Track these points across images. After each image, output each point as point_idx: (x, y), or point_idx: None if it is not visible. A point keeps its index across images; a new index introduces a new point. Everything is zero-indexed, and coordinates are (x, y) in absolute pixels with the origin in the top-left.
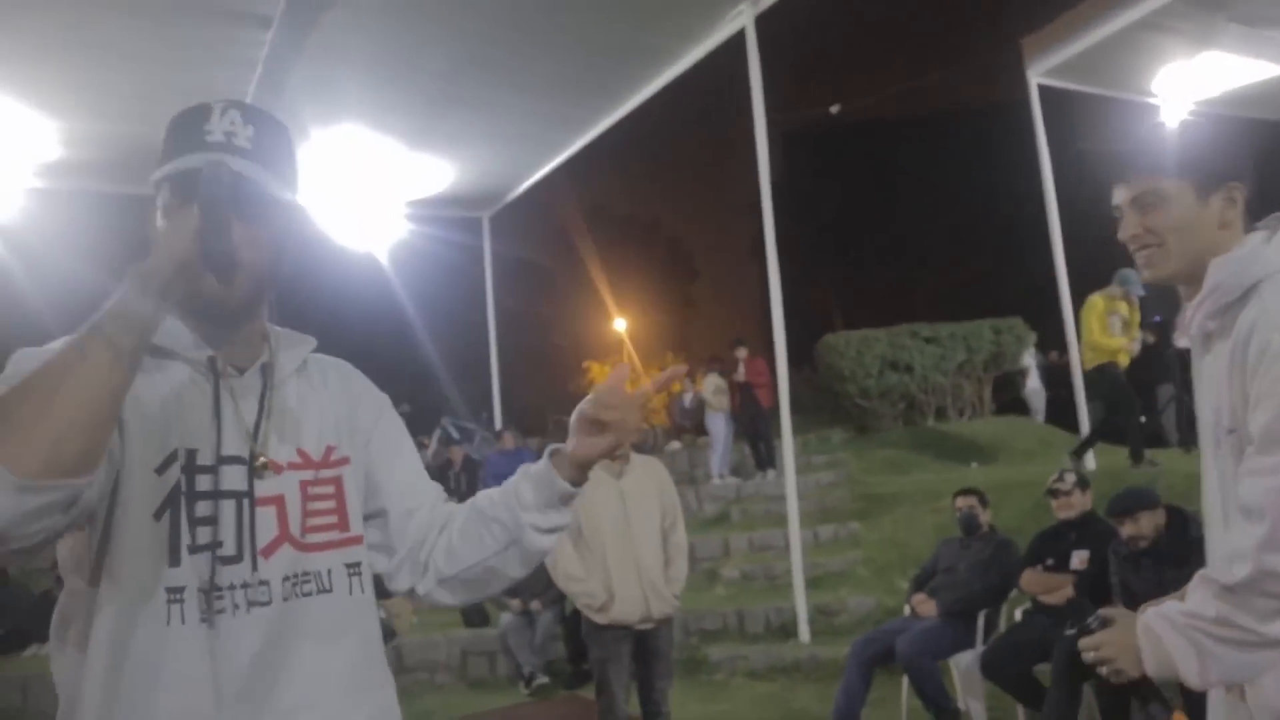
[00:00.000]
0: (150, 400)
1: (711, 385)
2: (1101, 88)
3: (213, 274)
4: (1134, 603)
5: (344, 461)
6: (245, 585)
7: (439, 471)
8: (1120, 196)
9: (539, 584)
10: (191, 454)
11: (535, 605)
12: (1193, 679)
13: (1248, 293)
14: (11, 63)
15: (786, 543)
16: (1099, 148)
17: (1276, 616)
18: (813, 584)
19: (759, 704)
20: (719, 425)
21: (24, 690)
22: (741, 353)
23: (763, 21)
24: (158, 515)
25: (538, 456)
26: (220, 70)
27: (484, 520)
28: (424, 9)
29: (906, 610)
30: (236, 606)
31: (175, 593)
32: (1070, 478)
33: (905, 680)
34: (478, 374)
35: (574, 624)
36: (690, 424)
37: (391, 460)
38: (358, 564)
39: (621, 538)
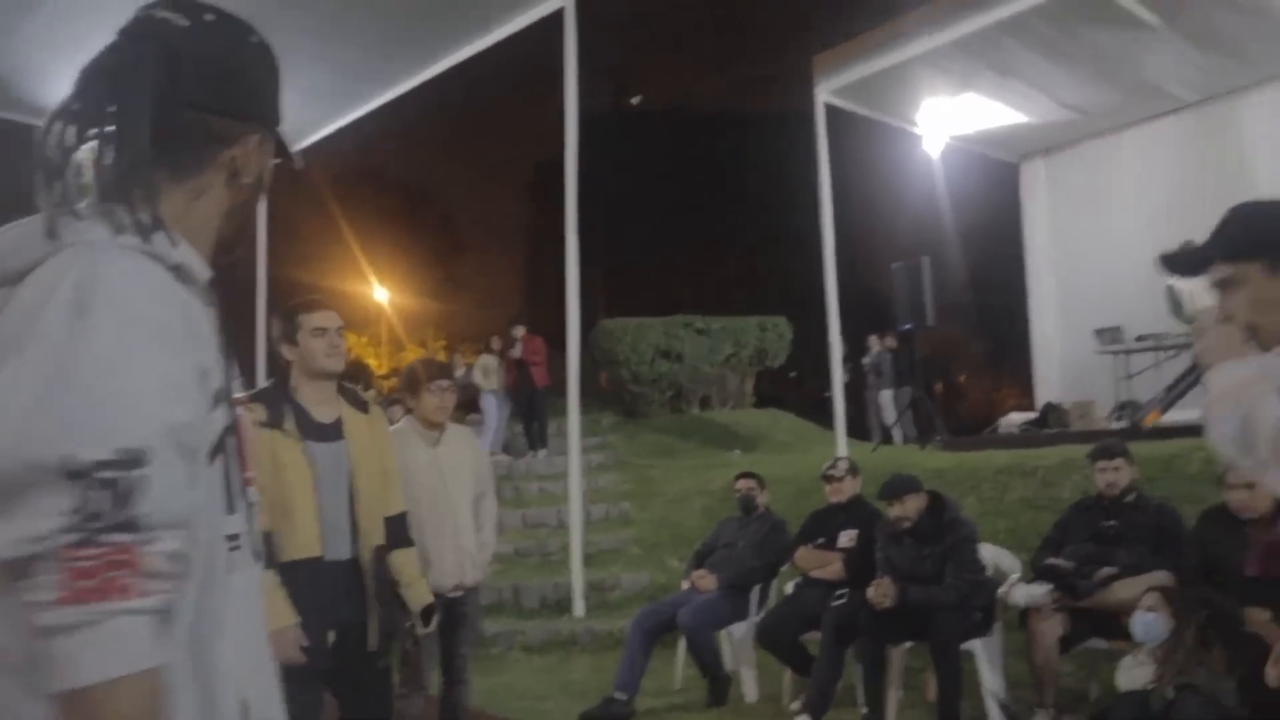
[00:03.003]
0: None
1: (482, 365)
2: (877, 113)
3: None
4: (897, 576)
5: None
6: (249, 532)
7: None
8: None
9: None
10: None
11: None
12: None
13: None
14: None
15: (559, 520)
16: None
17: None
18: (586, 561)
19: (537, 676)
20: (491, 405)
21: None
22: (519, 331)
23: (580, 4)
24: (212, 456)
25: None
26: None
27: None
28: None
29: (685, 584)
30: (254, 555)
31: (233, 540)
32: (843, 465)
33: (680, 649)
34: (241, 333)
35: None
36: (461, 400)
37: None
38: None
39: (438, 505)
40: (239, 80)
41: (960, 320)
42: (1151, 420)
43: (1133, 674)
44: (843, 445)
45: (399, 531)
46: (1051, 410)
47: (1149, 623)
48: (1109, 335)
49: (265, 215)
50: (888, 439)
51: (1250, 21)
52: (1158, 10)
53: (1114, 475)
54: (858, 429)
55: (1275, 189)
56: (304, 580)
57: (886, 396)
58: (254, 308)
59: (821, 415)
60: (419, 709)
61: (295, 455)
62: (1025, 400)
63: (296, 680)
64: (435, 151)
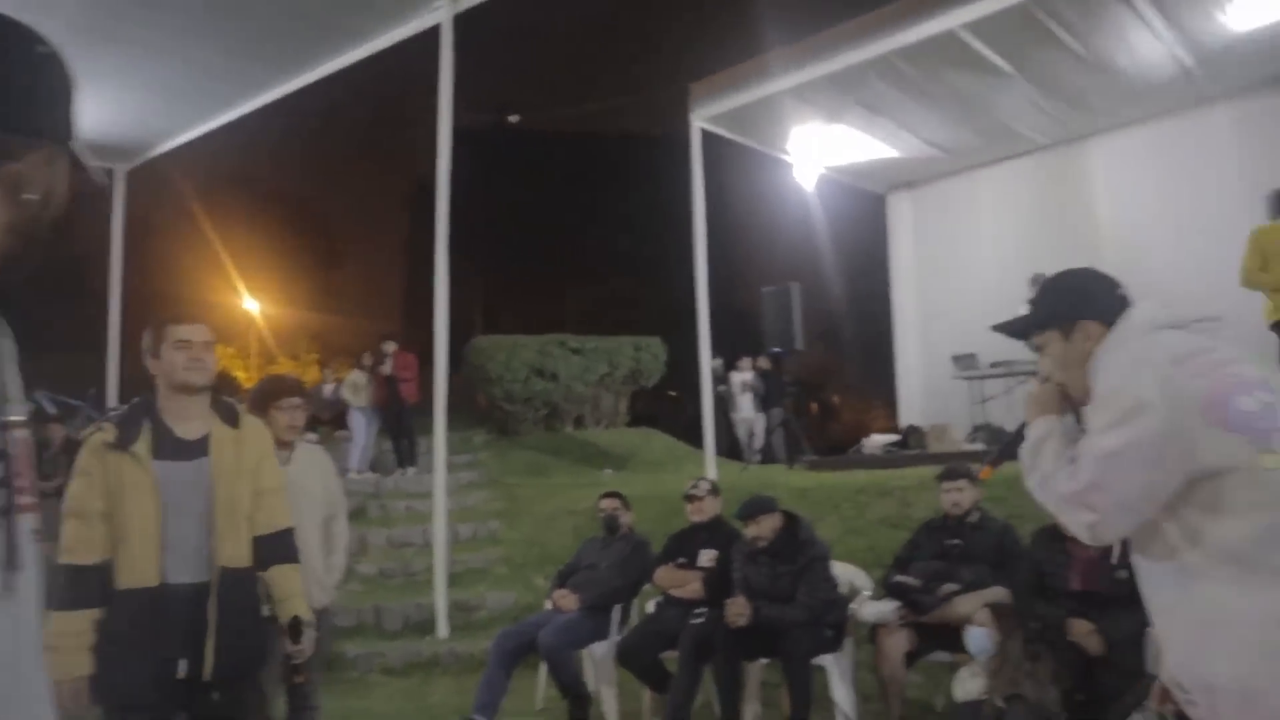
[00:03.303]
0: None
1: (352, 381)
2: (752, 141)
3: None
4: (753, 594)
5: None
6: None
7: (37, 451)
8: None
9: None
10: None
11: None
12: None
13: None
14: None
15: (425, 539)
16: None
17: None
18: (452, 580)
19: (396, 700)
20: (360, 421)
21: None
22: (390, 347)
23: (459, 22)
24: None
25: None
26: None
27: None
28: None
29: (548, 604)
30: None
31: None
32: (704, 485)
33: (542, 670)
34: (93, 345)
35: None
36: (329, 416)
37: None
38: None
39: None
40: (21, 93)
41: (832, 344)
42: (985, 475)
43: (967, 685)
44: (712, 465)
45: (275, 548)
46: (912, 432)
47: (977, 637)
48: (965, 362)
49: (121, 224)
50: (760, 459)
51: (1093, 74)
52: (1010, 58)
53: (958, 495)
54: (736, 450)
55: (1116, 228)
56: (139, 609)
57: (757, 418)
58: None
59: (697, 435)
60: None
61: (139, 478)
62: (891, 422)
63: (145, 713)
64: (314, 162)
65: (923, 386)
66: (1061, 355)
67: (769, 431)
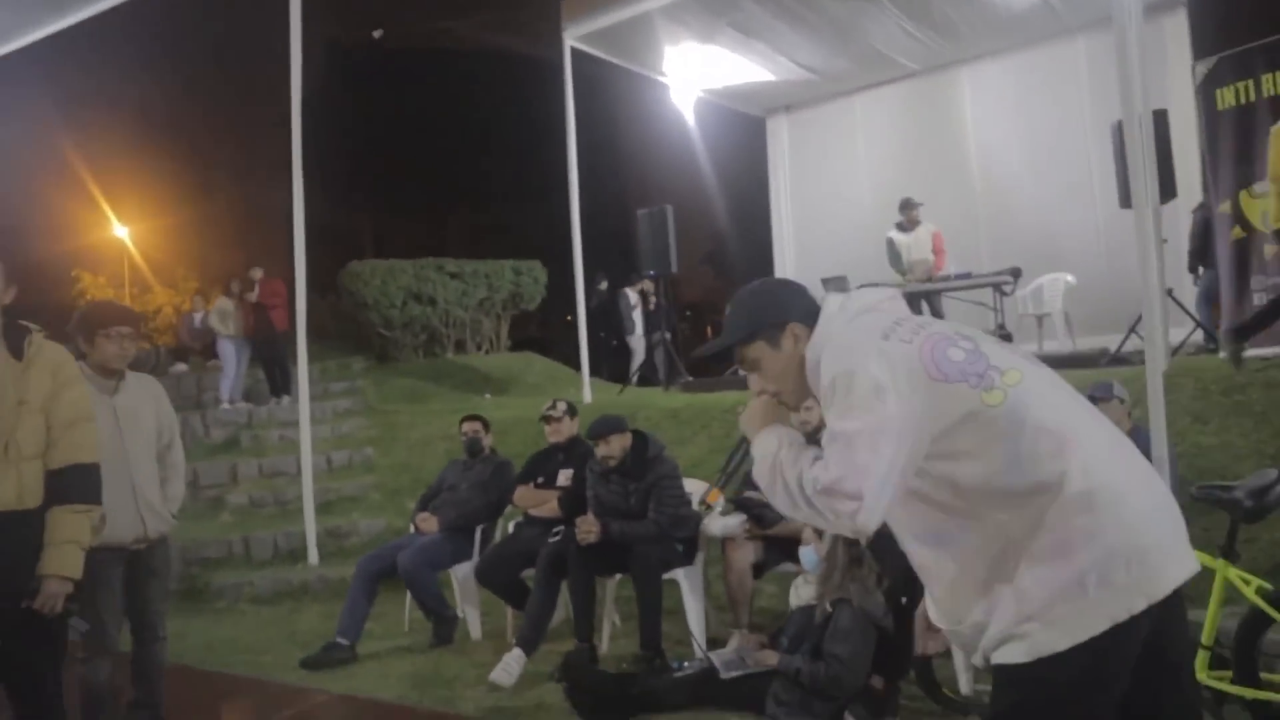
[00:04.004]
0: None
1: (219, 309)
2: (626, 61)
3: None
4: (604, 512)
5: None
6: None
7: None
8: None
9: None
10: None
11: None
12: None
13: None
14: None
15: (299, 468)
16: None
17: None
18: (324, 509)
19: (264, 627)
20: (229, 350)
21: None
22: (257, 273)
23: None
24: None
25: None
26: None
27: None
28: None
29: (411, 528)
30: None
31: None
32: (561, 406)
33: (409, 594)
34: None
35: None
36: (199, 346)
37: None
38: None
39: (113, 455)
40: None
41: (720, 268)
42: (713, 499)
43: (801, 592)
44: (588, 388)
45: (59, 486)
46: None
47: (808, 554)
48: (835, 284)
49: None
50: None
51: (961, 4)
52: None
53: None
54: (615, 373)
55: (983, 153)
56: None
57: (635, 340)
58: None
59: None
60: (105, 672)
61: None
62: None
63: None
64: (172, 78)
65: None
66: (772, 363)
67: (648, 353)
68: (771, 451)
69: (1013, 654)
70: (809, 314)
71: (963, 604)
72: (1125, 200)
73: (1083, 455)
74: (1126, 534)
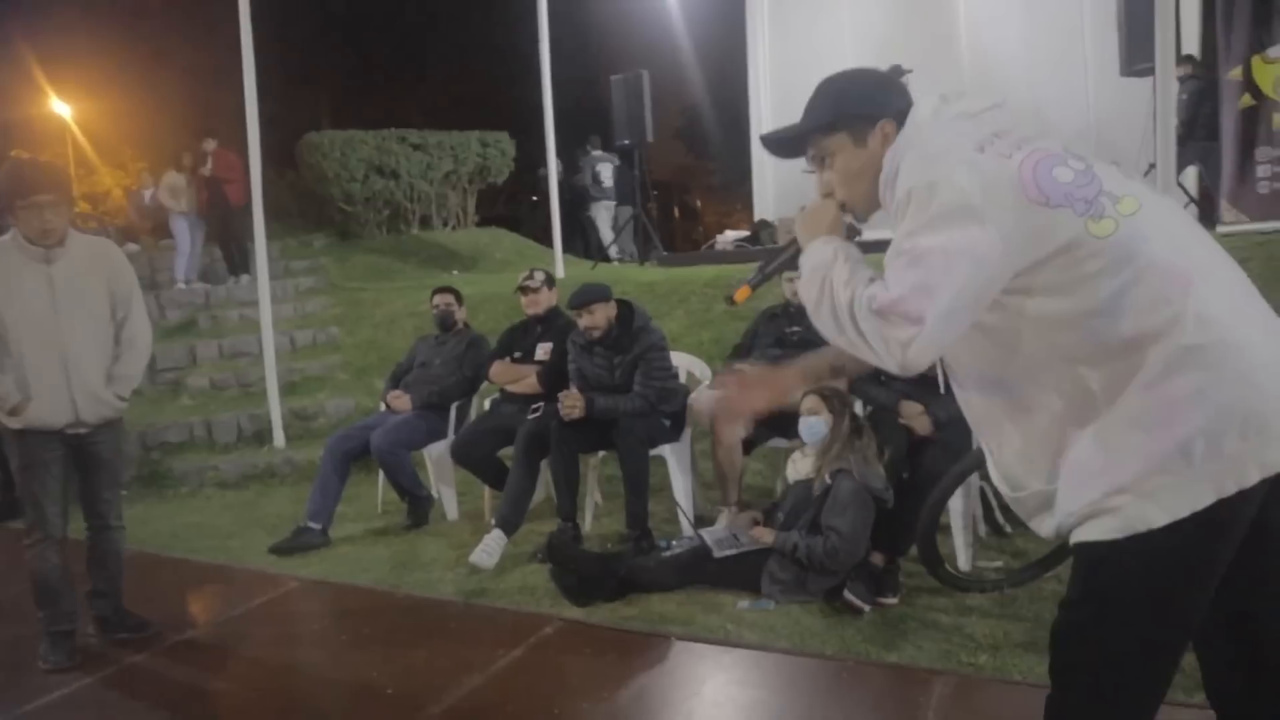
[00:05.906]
0: None
1: (169, 184)
2: None
3: None
4: (587, 386)
5: None
6: None
7: None
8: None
9: None
10: None
11: None
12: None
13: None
14: None
15: (261, 349)
16: None
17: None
18: (289, 390)
19: (230, 511)
20: (183, 228)
21: None
22: (210, 145)
23: None
24: None
25: None
26: None
27: None
28: None
29: (382, 407)
30: None
31: None
32: (539, 275)
33: (381, 474)
34: None
35: None
36: (150, 225)
37: None
38: None
39: (45, 330)
40: None
41: (693, 144)
42: (741, 297)
43: (798, 466)
44: (560, 263)
45: None
46: (763, 226)
47: (811, 425)
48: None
49: None
50: (606, 256)
51: None
52: None
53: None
54: (586, 247)
55: (972, 20)
56: None
57: (606, 213)
58: None
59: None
60: (54, 558)
61: None
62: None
63: None
64: None
65: (775, 181)
66: (850, 161)
67: (620, 228)
68: (825, 263)
69: (1099, 530)
70: (903, 112)
71: (1027, 468)
72: (1126, 66)
73: (1202, 300)
74: (1246, 393)
